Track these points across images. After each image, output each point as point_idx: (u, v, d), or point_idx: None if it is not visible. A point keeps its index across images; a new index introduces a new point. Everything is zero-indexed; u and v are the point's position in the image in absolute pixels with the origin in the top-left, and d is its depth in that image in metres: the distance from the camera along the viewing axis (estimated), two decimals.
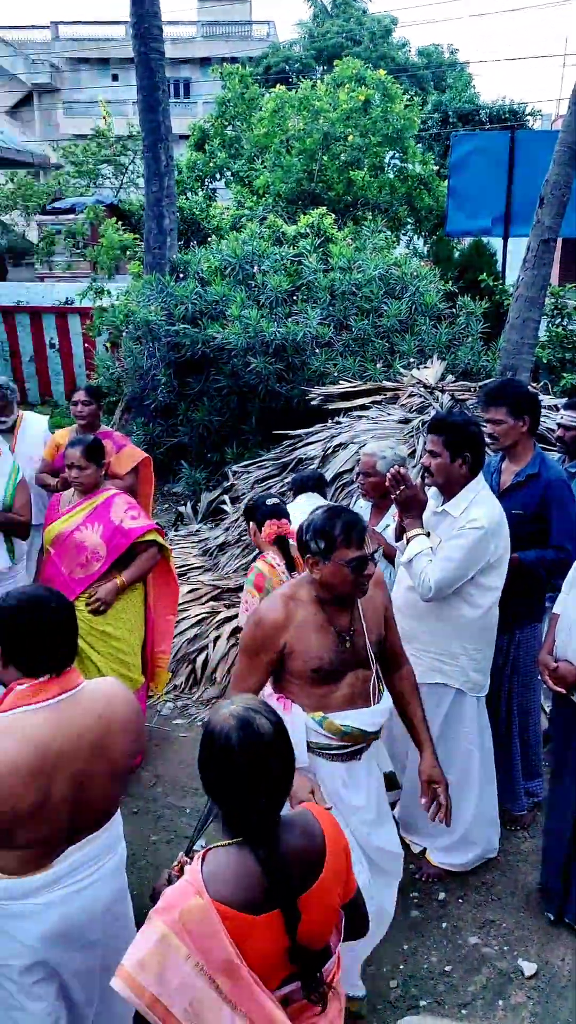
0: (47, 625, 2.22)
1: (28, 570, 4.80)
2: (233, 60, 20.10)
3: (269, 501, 3.75)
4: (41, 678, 2.22)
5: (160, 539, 4.12)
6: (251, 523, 3.78)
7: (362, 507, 4.27)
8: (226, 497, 7.19)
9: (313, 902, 1.78)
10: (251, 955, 1.68)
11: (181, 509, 7.45)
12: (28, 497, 4.38)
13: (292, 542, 3.68)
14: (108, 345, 10.12)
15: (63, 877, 2.23)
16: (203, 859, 1.77)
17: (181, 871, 1.97)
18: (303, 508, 4.47)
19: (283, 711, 2.67)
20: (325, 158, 10.09)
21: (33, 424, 5.41)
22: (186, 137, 13.09)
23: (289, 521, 3.71)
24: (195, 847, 1.99)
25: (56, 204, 18.22)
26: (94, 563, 3.98)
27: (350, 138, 10.06)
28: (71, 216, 16.87)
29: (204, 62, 30.77)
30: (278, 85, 11.44)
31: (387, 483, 3.42)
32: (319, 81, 11.81)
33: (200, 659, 5.17)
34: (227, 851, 1.77)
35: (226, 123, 11.88)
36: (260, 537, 3.70)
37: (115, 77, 33.41)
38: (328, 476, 5.50)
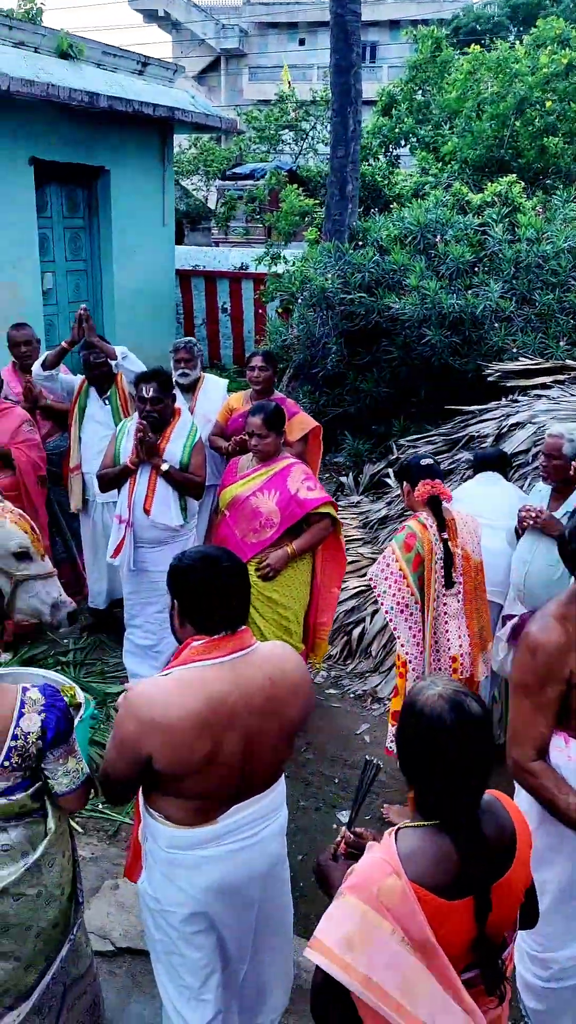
0: (223, 584, 2.23)
1: (199, 529, 4.89)
2: (424, 22, 19.58)
3: (423, 461, 3.76)
4: (216, 635, 2.23)
5: (333, 512, 4.09)
6: (404, 483, 3.80)
7: (540, 491, 4.08)
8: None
9: (503, 891, 1.71)
10: (440, 942, 1.62)
11: (343, 479, 7.41)
12: (204, 458, 4.44)
13: (446, 503, 3.69)
14: (279, 311, 10.15)
15: (228, 833, 2.26)
16: (395, 837, 1.71)
17: (347, 847, 1.94)
18: (484, 488, 4.34)
19: (564, 746, 2.45)
20: (518, 124, 9.64)
21: (213, 386, 5.49)
22: (371, 102, 12.86)
23: (443, 481, 3.66)
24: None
25: (236, 169, 18.41)
26: (267, 529, 3.99)
27: (548, 104, 9.56)
28: (250, 181, 17.03)
29: (393, 25, 30.15)
30: (473, 46, 11.00)
31: (573, 470, 3.25)
32: (517, 43, 11.29)
33: (356, 632, 5.14)
34: (422, 833, 1.71)
35: (416, 87, 11.55)
36: (413, 497, 3.71)
37: (302, 42, 33.31)
38: None
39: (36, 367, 5.13)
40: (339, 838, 2.00)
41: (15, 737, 2.08)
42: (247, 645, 2.25)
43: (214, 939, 2.35)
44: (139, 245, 10.92)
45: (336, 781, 4.11)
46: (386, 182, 10.55)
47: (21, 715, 2.10)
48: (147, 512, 4.38)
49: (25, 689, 2.15)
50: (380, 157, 11.25)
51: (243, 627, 2.29)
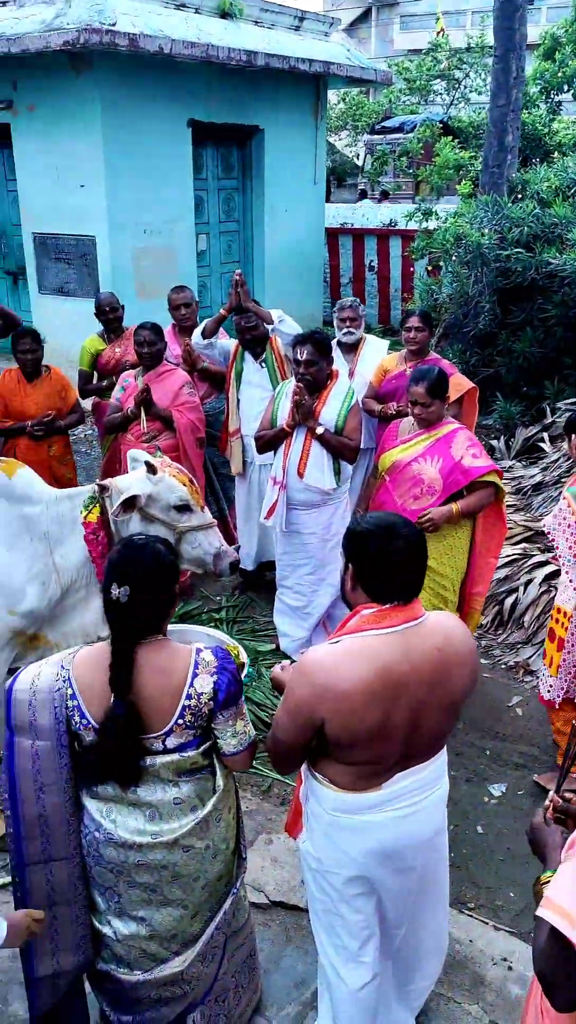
0: (399, 552, 2.20)
1: (352, 493, 4.87)
2: None
3: None
4: (388, 604, 2.22)
5: (498, 481, 3.96)
6: (572, 436, 3.72)
7: None
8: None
9: None
10: None
11: (493, 443, 7.20)
12: (360, 421, 4.41)
13: None
14: (429, 269, 9.90)
15: (392, 799, 2.27)
16: None
17: (556, 811, 1.93)
18: None
19: None
20: None
21: (374, 347, 5.42)
22: (532, 46, 12.20)
23: None
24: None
25: (385, 123, 17.98)
26: (428, 496, 3.93)
27: None
28: (399, 135, 16.59)
29: None
30: None
31: None
32: None
33: (508, 601, 5.02)
34: None
35: None
36: None
37: None
38: None
39: (196, 335, 5.21)
40: (547, 802, 1.97)
41: (188, 696, 2.14)
42: (418, 616, 2.23)
43: (374, 903, 2.38)
44: (290, 204, 10.90)
45: (487, 753, 4.05)
46: (547, 131, 10.04)
47: (195, 675, 2.15)
48: (300, 475, 4.40)
49: (199, 651, 2.21)
50: (540, 105, 10.69)
51: (415, 598, 2.26)
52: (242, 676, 2.67)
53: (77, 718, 2.16)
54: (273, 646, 4.84)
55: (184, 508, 3.31)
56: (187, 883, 2.26)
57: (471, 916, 3.17)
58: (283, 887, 3.27)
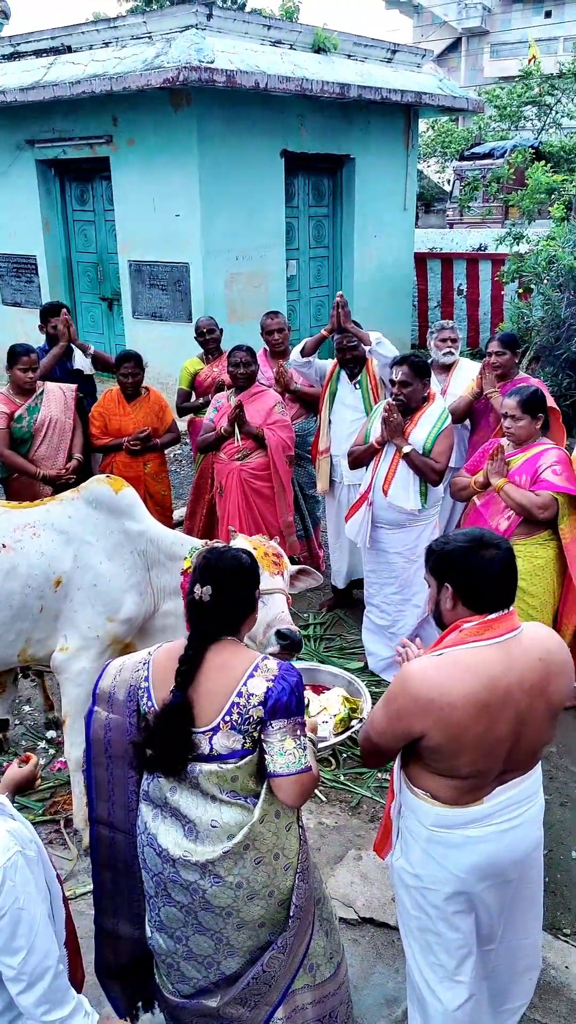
0: (493, 560, 2.22)
1: (441, 515, 4.86)
2: None
3: None
4: (488, 616, 2.23)
5: (560, 499, 3.87)
6: None
7: None
8: None
9: None
10: None
11: None
12: (450, 445, 4.41)
13: None
14: (520, 292, 9.83)
15: (494, 814, 2.26)
16: None
17: None
18: None
19: None
20: None
21: (467, 369, 5.43)
22: None
23: None
24: None
25: (475, 149, 17.99)
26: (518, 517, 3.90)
27: None
28: (489, 161, 16.56)
29: None
30: None
31: None
32: None
33: None
34: None
35: None
36: None
37: (548, 14, 31.81)
38: None
39: (295, 353, 5.30)
40: None
41: (239, 695, 2.13)
42: (517, 626, 2.24)
43: (472, 920, 2.36)
44: (380, 230, 11.01)
45: None
46: None
47: (251, 676, 2.15)
48: (385, 493, 4.42)
49: (264, 658, 2.21)
50: None
51: (511, 609, 2.27)
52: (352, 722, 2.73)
53: (145, 699, 2.27)
54: (361, 664, 4.84)
55: None
56: (219, 916, 2.19)
57: (567, 942, 3.09)
58: (373, 903, 3.26)
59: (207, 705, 2.15)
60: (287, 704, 2.13)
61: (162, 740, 2.14)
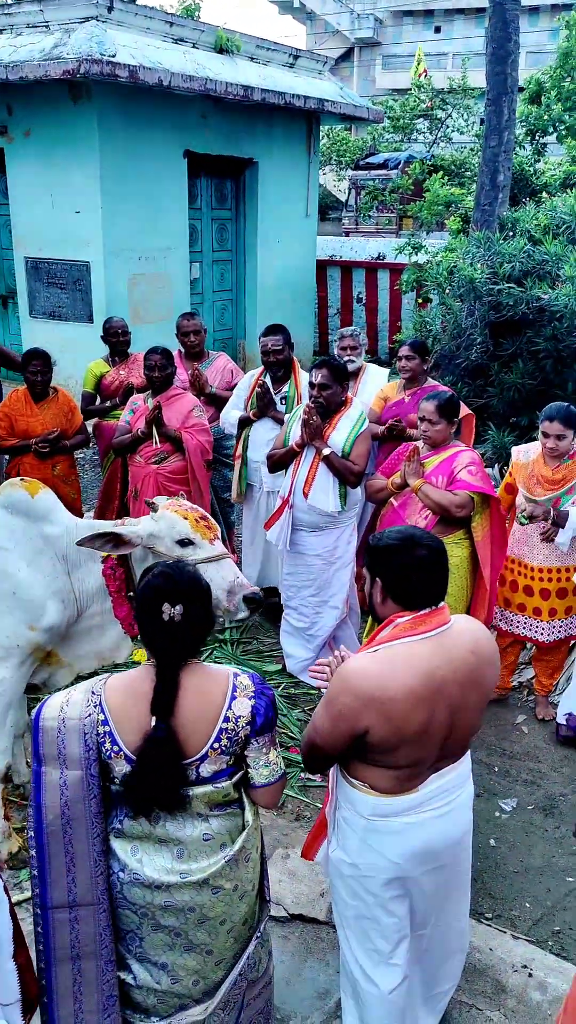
0: (423, 559, 2.31)
1: (361, 517, 4.95)
2: (567, 7, 19.00)
3: None
4: (420, 611, 2.32)
5: (476, 499, 4.03)
6: None
7: None
8: None
9: None
10: None
11: (489, 471, 7.33)
12: (367, 448, 4.50)
13: None
14: (419, 301, 10.11)
15: (428, 801, 2.36)
16: None
17: None
18: None
19: None
20: None
21: (375, 376, 5.55)
22: (520, 90, 12.58)
23: None
24: None
25: (369, 159, 18.39)
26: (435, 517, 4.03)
27: None
28: (383, 171, 16.96)
29: (532, 11, 29.34)
30: None
31: None
32: None
33: None
34: None
35: (565, 75, 11.24)
36: None
37: (437, 29, 32.84)
38: None
39: (229, 421, 5.28)
40: None
41: (226, 719, 2.10)
42: (448, 620, 2.34)
43: (407, 905, 2.45)
44: (282, 235, 11.11)
45: (496, 770, 4.13)
46: (532, 171, 10.34)
47: (233, 699, 2.12)
48: (305, 495, 4.49)
49: (236, 674, 2.19)
50: (526, 146, 11.02)
51: (442, 604, 2.36)
52: None
53: (108, 744, 2.09)
54: (280, 667, 4.89)
55: (186, 543, 3.21)
56: (213, 927, 2.18)
57: (490, 925, 3.23)
58: (301, 900, 3.31)
59: (190, 734, 2.10)
60: (272, 720, 2.19)
61: (155, 778, 2.04)
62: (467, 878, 2.63)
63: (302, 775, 4.01)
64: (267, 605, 5.42)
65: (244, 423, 5.21)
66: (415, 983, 2.62)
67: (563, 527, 4.18)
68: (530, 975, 2.98)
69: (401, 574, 2.32)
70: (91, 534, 3.21)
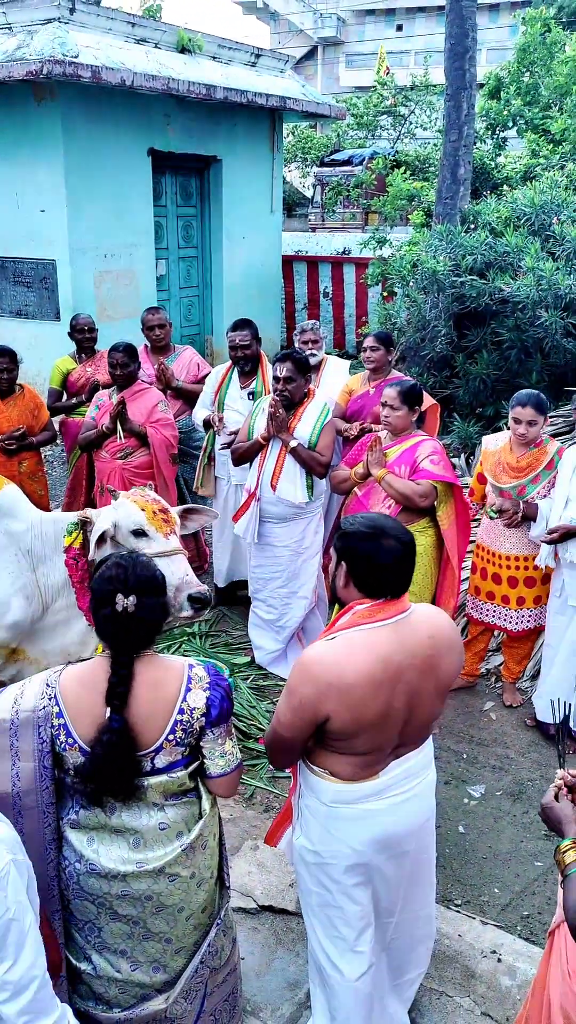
0: (390, 550, 2.30)
1: (328, 507, 4.97)
2: (525, 4, 19.14)
3: None
4: (379, 600, 2.32)
5: (439, 488, 4.05)
6: None
7: None
8: None
9: None
10: None
11: (454, 461, 7.38)
12: (333, 439, 4.52)
13: None
14: (384, 295, 10.15)
15: (389, 787, 2.36)
16: None
17: (568, 788, 2.04)
18: None
19: None
20: None
21: (336, 369, 5.56)
22: (479, 86, 12.67)
23: None
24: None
25: (334, 156, 18.42)
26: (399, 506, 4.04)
27: None
28: (348, 168, 16.99)
29: (492, 8, 29.54)
30: None
31: None
32: None
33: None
34: None
35: (524, 70, 11.34)
36: None
37: (399, 28, 32.93)
38: None
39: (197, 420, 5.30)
40: (558, 780, 2.07)
41: (181, 711, 2.11)
42: (407, 608, 2.34)
43: (370, 892, 2.45)
44: (247, 232, 11.09)
45: (464, 756, 4.15)
46: (493, 165, 10.41)
47: (188, 690, 2.13)
48: (273, 487, 4.49)
49: (191, 666, 2.19)
50: (487, 140, 11.10)
51: (403, 593, 2.37)
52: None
53: (63, 737, 2.09)
54: (248, 659, 4.89)
55: (139, 534, 3.18)
56: (171, 915, 2.19)
57: (458, 912, 3.24)
58: (271, 891, 3.31)
59: (145, 726, 2.10)
60: (227, 711, 2.19)
61: (109, 770, 2.04)
62: (431, 865, 2.64)
63: (271, 766, 4.01)
64: (237, 598, 5.47)
65: (209, 427, 5.21)
66: (382, 971, 2.62)
67: (535, 520, 4.21)
68: (499, 960, 3.00)
69: (366, 562, 2.31)
70: (98, 536, 3.20)
